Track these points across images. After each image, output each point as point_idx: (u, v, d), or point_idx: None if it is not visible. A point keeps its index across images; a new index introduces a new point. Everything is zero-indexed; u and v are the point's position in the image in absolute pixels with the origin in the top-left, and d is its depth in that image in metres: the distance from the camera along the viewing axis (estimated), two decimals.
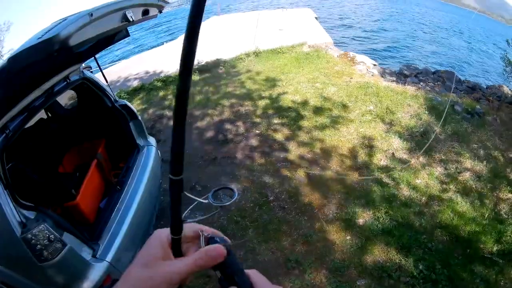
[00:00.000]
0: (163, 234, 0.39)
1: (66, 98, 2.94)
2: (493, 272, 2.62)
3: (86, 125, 2.61)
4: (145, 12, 1.80)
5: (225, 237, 0.40)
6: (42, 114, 2.56)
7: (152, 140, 2.76)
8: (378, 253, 2.86)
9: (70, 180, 2.24)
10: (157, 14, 2.00)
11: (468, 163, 3.77)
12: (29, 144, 2.27)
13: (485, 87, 6.05)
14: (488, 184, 3.47)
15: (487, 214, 3.17)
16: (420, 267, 2.71)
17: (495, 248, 2.85)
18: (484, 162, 3.75)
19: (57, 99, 2.25)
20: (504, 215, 3.19)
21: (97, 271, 1.64)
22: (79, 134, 2.69)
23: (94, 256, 1.70)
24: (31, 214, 1.44)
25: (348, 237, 2.97)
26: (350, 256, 2.81)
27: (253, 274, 0.39)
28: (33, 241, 1.33)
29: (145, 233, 2.28)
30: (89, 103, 2.48)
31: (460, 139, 4.17)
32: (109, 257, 1.76)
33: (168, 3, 2.38)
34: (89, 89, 2.34)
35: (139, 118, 2.61)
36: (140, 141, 2.62)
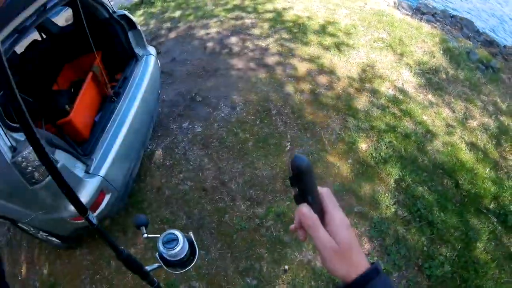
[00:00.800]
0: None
1: (64, 19, 3.23)
2: (486, 229, 2.80)
3: (82, 39, 2.53)
4: None
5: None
6: (36, 36, 2.74)
7: (152, 49, 2.85)
8: (378, 182, 2.86)
9: (64, 97, 2.35)
10: None
11: (476, 113, 3.90)
12: (23, 66, 2.41)
13: (503, 46, 6.28)
14: (493, 139, 3.63)
15: (488, 170, 3.32)
16: (418, 205, 2.79)
17: (491, 205, 3.02)
18: (493, 117, 3.90)
19: (54, 19, 2.66)
20: (504, 175, 3.38)
21: (89, 187, 1.77)
22: (75, 50, 2.79)
23: (87, 171, 1.81)
24: (21, 136, 1.47)
25: (350, 161, 2.92)
26: (349, 181, 2.78)
27: (326, 194, 0.47)
28: (23, 163, 1.38)
29: (142, 145, 2.48)
30: (85, 16, 2.38)
31: (472, 87, 4.27)
32: (102, 172, 1.88)
33: None
34: (84, 1, 2.35)
35: (138, 27, 2.67)
36: (138, 51, 2.71)
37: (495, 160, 3.42)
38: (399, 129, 3.34)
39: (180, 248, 0.77)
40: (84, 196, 1.72)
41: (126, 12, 2.61)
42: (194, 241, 0.84)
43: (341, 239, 0.43)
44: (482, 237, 2.74)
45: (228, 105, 3.36)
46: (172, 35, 4.78)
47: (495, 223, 2.88)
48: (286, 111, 3.31)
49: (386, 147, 3.10)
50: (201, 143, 3.02)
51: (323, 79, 3.79)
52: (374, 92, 3.74)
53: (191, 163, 2.87)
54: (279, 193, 2.63)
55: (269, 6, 5.35)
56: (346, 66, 4.11)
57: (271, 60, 4.05)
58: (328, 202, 0.46)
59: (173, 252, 0.77)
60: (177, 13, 5.39)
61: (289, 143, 3.01)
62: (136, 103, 2.31)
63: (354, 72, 4.01)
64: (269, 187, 2.68)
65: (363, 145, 3.07)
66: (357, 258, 0.44)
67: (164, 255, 0.78)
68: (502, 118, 3.94)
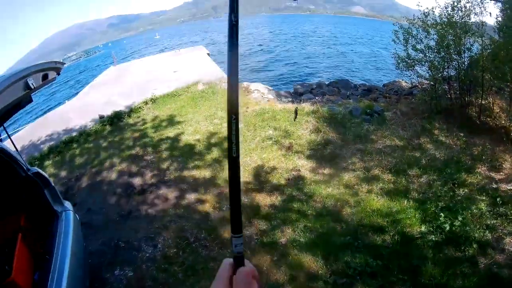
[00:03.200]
0: (226, 269, 0.79)
1: None
2: (429, 249, 4.44)
3: (3, 199, 3.58)
4: (45, 77, 3.10)
5: None
6: None
7: (68, 204, 3.90)
8: (309, 265, 4.36)
9: None
10: (55, 77, 3.31)
11: (377, 161, 6.01)
12: None
13: (382, 86, 9.40)
14: (401, 173, 5.69)
15: (405, 201, 5.22)
16: (352, 265, 4.32)
17: (423, 228, 4.78)
18: (391, 155, 6.08)
19: None
20: (420, 197, 5.31)
21: None
22: None
23: None
24: None
25: (275, 258, 4.43)
26: (281, 275, 4.21)
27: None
28: None
29: None
30: (2, 175, 3.47)
31: (364, 140, 6.53)
32: None
33: (65, 64, 3.89)
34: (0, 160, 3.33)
35: (53, 184, 3.73)
36: (57, 208, 3.73)
37: (406, 189, 5.39)
38: (309, 211, 5.13)
39: None
40: None
41: (39, 170, 3.56)
42: None
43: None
44: (427, 257, 4.34)
45: (150, 244, 4.71)
46: (83, 183, 6.35)
47: (433, 239, 4.58)
48: (202, 235, 4.78)
49: (304, 232, 4.76)
50: (136, 286, 4.12)
51: (226, 194, 5.45)
52: (276, 188, 5.64)
53: None
54: None
55: (165, 139, 7.40)
56: (243, 174, 6.00)
57: (176, 190, 5.77)
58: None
59: None
60: (84, 159, 7.12)
61: (213, 263, 4.29)
62: (67, 259, 3.04)
63: (252, 177, 5.95)
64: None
65: (282, 240, 4.62)
66: None
67: None
68: (399, 151, 6.15)
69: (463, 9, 7.26)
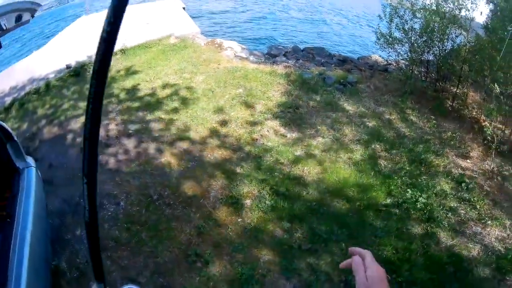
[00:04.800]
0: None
1: None
2: (393, 222, 4.57)
3: None
4: (18, 18, 2.70)
5: None
6: None
7: (30, 160, 3.77)
8: (273, 228, 4.39)
9: None
10: (29, 20, 3.01)
11: (346, 130, 6.07)
12: None
13: (357, 58, 9.43)
14: (370, 145, 5.80)
15: (372, 173, 5.30)
16: (318, 232, 4.37)
17: (388, 201, 4.91)
18: (361, 126, 6.15)
19: None
20: (387, 171, 5.41)
21: None
22: None
23: None
24: None
25: (239, 219, 4.44)
26: (246, 237, 4.23)
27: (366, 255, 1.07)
28: None
29: (47, 261, 3.24)
30: None
31: (334, 108, 6.57)
32: None
33: (41, 5, 3.51)
34: None
35: (16, 139, 3.57)
36: (19, 164, 3.60)
37: (374, 162, 5.47)
38: (276, 173, 5.11)
39: None
40: None
41: (2, 123, 3.43)
42: None
43: (370, 277, 0.97)
44: (391, 231, 4.45)
45: (112, 202, 4.60)
46: (45, 137, 6.07)
47: (397, 213, 4.71)
48: (166, 193, 4.73)
49: (269, 194, 4.76)
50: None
51: (191, 152, 5.49)
52: (243, 148, 5.59)
53: None
54: (186, 272, 3.80)
55: (132, 90, 7.24)
56: (210, 131, 5.96)
57: (140, 145, 5.64)
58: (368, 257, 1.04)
59: None
60: (47, 112, 6.82)
61: (176, 223, 4.34)
62: (30, 221, 2.99)
63: (220, 134, 5.90)
64: (175, 271, 3.82)
65: (247, 201, 4.65)
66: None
67: None
68: (369, 124, 6.21)
69: (455, 2, 7.32)
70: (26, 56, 11.29)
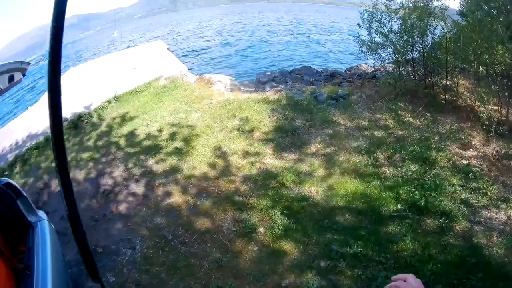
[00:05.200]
0: None
1: None
2: (406, 226, 4.63)
3: None
4: (10, 79, 2.90)
5: None
6: None
7: (42, 214, 3.84)
8: (290, 251, 4.45)
9: None
10: (21, 79, 3.19)
11: (346, 144, 6.19)
12: None
13: (344, 70, 9.67)
14: (371, 154, 5.91)
15: (378, 182, 5.40)
16: (334, 248, 4.42)
17: (399, 206, 4.98)
18: (360, 138, 6.27)
19: None
20: (393, 177, 5.50)
21: None
22: None
23: None
24: None
25: (256, 248, 4.51)
26: (265, 264, 4.29)
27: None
28: None
29: None
30: None
31: (331, 124, 6.71)
32: None
33: (30, 63, 3.76)
34: None
35: (24, 194, 3.64)
36: (31, 218, 3.65)
37: (378, 171, 5.57)
38: (284, 198, 5.21)
39: None
40: None
41: (10, 180, 3.50)
42: None
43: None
44: (407, 234, 4.50)
45: (128, 247, 4.70)
46: (53, 189, 6.21)
47: (409, 216, 4.77)
48: (180, 232, 4.85)
49: (281, 220, 4.85)
50: None
51: (199, 188, 5.65)
52: (248, 178, 5.71)
53: None
54: None
55: (131, 137, 7.41)
56: (214, 166, 6.09)
57: (147, 189, 5.80)
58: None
59: None
60: (50, 165, 6.98)
61: (194, 260, 4.41)
62: (49, 272, 2.98)
63: (221, 167, 6.03)
64: None
65: (260, 229, 4.77)
66: None
67: None
68: (366, 134, 6.33)
69: None
70: (22, 112, 11.76)
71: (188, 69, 11.34)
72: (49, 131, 8.03)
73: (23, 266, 3.19)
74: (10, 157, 8.21)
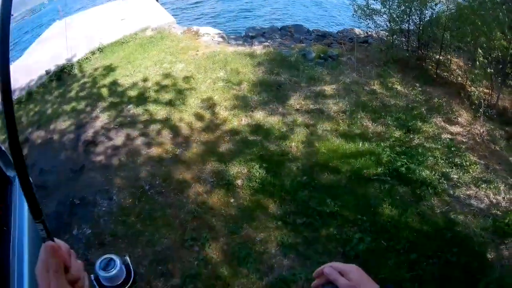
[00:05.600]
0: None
1: None
2: (385, 190, 4.54)
3: None
4: None
5: None
6: None
7: None
8: (267, 205, 4.36)
9: None
10: None
11: (331, 103, 6.02)
12: None
13: (336, 32, 9.39)
14: (355, 116, 5.77)
15: (360, 143, 5.25)
16: (311, 205, 4.32)
17: (379, 170, 4.85)
18: (346, 98, 6.11)
19: None
20: (376, 140, 5.37)
21: None
22: None
23: None
24: None
25: (232, 200, 4.44)
26: (240, 217, 4.23)
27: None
28: None
29: None
30: None
31: (317, 83, 6.53)
32: None
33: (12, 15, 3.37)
34: None
35: (3, 148, 3.50)
36: (10, 173, 3.52)
37: (362, 132, 5.46)
38: (263, 152, 5.07)
39: (117, 270, 1.09)
40: None
41: None
42: (130, 264, 1.19)
43: (354, 278, 0.94)
44: (385, 199, 4.42)
45: (105, 198, 4.64)
46: (33, 144, 6.02)
47: (389, 181, 4.68)
48: (157, 182, 4.79)
49: (259, 173, 4.72)
50: (96, 243, 4.08)
51: (179, 139, 5.53)
52: (229, 129, 5.55)
53: None
54: (185, 258, 3.85)
55: (114, 86, 7.20)
56: (195, 116, 5.93)
57: (128, 139, 5.67)
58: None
59: (110, 274, 1.07)
60: (32, 119, 6.81)
61: (170, 210, 4.39)
62: (26, 228, 3.06)
63: (204, 118, 5.88)
64: (173, 257, 3.87)
65: (238, 181, 4.68)
66: (370, 286, 0.95)
67: (101, 278, 1.07)
68: (353, 95, 6.20)
69: None
70: None
71: (177, 22, 10.99)
72: (30, 85, 7.76)
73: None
74: None
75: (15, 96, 8.16)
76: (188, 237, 4.00)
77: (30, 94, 7.89)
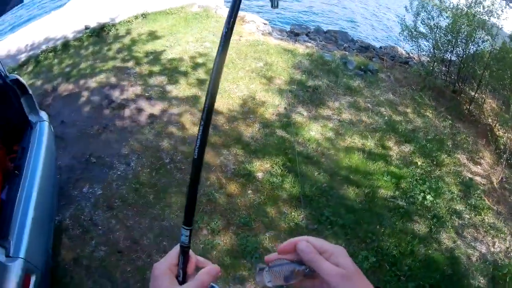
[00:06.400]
0: (163, 268, 0.78)
1: None
2: (399, 214, 4.60)
3: None
4: None
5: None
6: None
7: (44, 114, 3.80)
8: (282, 204, 4.41)
9: None
10: None
11: (363, 117, 6.05)
12: None
13: (378, 47, 9.39)
14: (384, 135, 5.79)
15: (384, 163, 5.31)
16: (326, 213, 4.38)
17: (397, 193, 4.93)
18: (378, 115, 6.14)
19: None
20: (399, 163, 5.42)
21: (14, 271, 2.37)
22: None
23: (7, 255, 2.42)
24: None
25: (250, 191, 4.45)
26: (254, 211, 4.25)
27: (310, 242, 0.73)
28: None
29: (51, 218, 3.31)
30: None
31: (353, 93, 6.57)
32: (22, 253, 2.50)
33: None
34: None
35: (30, 92, 3.60)
36: (32, 118, 3.63)
37: (387, 152, 5.52)
38: (289, 150, 5.09)
39: None
40: (12, 282, 2.28)
41: (19, 77, 3.47)
42: None
43: (345, 265, 0.66)
44: (396, 222, 4.48)
45: (123, 162, 4.64)
46: (59, 94, 6.07)
47: (404, 206, 4.74)
48: (178, 157, 4.76)
49: (282, 170, 4.76)
50: (104, 205, 4.09)
51: None
52: (259, 121, 5.58)
53: (99, 227, 3.87)
54: (194, 238, 3.87)
55: (152, 55, 7.22)
56: (228, 101, 5.94)
57: (156, 109, 5.67)
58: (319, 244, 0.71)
59: None
60: (63, 70, 6.85)
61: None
62: (38, 175, 3.05)
63: (236, 105, 5.87)
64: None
65: (259, 174, 4.69)
66: (364, 282, 0.67)
67: None
68: (385, 113, 6.23)
69: (486, 7, 7.22)
70: (45, 16, 11.27)
71: (224, 3, 10.85)
72: (67, 36, 7.80)
73: (13, 166, 3.19)
74: (23, 57, 7.96)
75: (50, 44, 8.26)
76: (199, 219, 3.98)
77: (65, 46, 7.90)
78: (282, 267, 0.72)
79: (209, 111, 0.80)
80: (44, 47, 8.12)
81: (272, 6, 1.08)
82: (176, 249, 0.83)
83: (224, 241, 3.89)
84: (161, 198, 4.22)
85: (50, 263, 3.23)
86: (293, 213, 4.32)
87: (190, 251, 0.83)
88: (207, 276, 0.77)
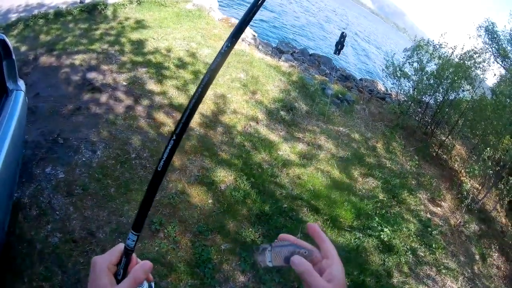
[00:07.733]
0: (104, 263, 0.78)
1: None
2: (354, 244, 4.61)
3: None
4: None
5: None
6: None
7: (22, 84, 3.63)
8: (241, 219, 4.35)
9: None
10: None
11: (332, 145, 6.10)
12: None
13: (359, 79, 9.64)
14: (350, 165, 5.85)
15: (346, 192, 5.35)
16: (282, 234, 4.32)
17: (355, 223, 4.97)
18: (347, 145, 6.22)
19: None
20: (361, 194, 5.47)
21: None
22: None
23: None
24: None
25: (210, 201, 4.37)
26: (213, 220, 4.17)
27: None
28: None
29: (11, 193, 3.14)
30: None
31: (326, 120, 6.63)
32: None
33: None
34: None
35: (14, 57, 3.34)
36: (10, 85, 3.41)
37: (350, 183, 5.54)
38: (255, 166, 5.07)
39: None
40: None
41: (5, 37, 3.20)
42: None
43: (334, 277, 0.68)
44: (351, 252, 4.51)
45: (89, 149, 4.48)
46: (40, 65, 5.87)
47: (361, 237, 4.76)
48: (145, 154, 4.65)
49: (245, 185, 4.71)
50: (65, 190, 3.90)
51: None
52: (230, 132, 5.54)
53: (57, 212, 3.66)
54: (147, 239, 3.71)
55: (138, 45, 7.12)
56: (202, 106, 5.83)
57: (132, 99, 5.59)
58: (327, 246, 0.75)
59: None
60: (49, 40, 6.64)
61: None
62: (5, 147, 2.86)
63: (210, 112, 5.82)
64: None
65: (222, 185, 4.66)
66: None
67: None
68: (354, 144, 6.29)
69: (474, 61, 7.68)
70: None
71: (219, 6, 10.97)
72: (60, 6, 7.60)
73: None
74: (13, 17, 7.80)
75: (42, 10, 8.10)
76: (156, 220, 3.87)
77: (57, 15, 7.77)
78: (283, 248, 0.76)
79: (184, 126, 0.79)
80: (36, 11, 7.98)
81: (334, 53, 1.13)
82: (119, 247, 0.83)
83: (180, 247, 3.79)
84: (122, 193, 4.08)
85: (4, 238, 3.08)
86: (251, 229, 4.26)
87: (133, 254, 0.84)
88: (141, 272, 0.80)
